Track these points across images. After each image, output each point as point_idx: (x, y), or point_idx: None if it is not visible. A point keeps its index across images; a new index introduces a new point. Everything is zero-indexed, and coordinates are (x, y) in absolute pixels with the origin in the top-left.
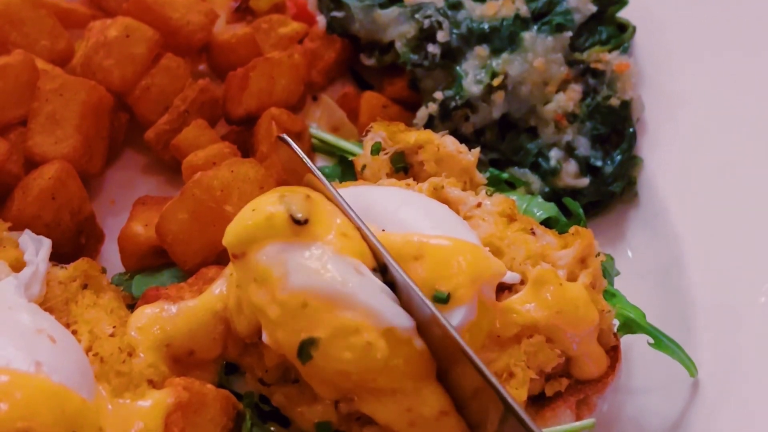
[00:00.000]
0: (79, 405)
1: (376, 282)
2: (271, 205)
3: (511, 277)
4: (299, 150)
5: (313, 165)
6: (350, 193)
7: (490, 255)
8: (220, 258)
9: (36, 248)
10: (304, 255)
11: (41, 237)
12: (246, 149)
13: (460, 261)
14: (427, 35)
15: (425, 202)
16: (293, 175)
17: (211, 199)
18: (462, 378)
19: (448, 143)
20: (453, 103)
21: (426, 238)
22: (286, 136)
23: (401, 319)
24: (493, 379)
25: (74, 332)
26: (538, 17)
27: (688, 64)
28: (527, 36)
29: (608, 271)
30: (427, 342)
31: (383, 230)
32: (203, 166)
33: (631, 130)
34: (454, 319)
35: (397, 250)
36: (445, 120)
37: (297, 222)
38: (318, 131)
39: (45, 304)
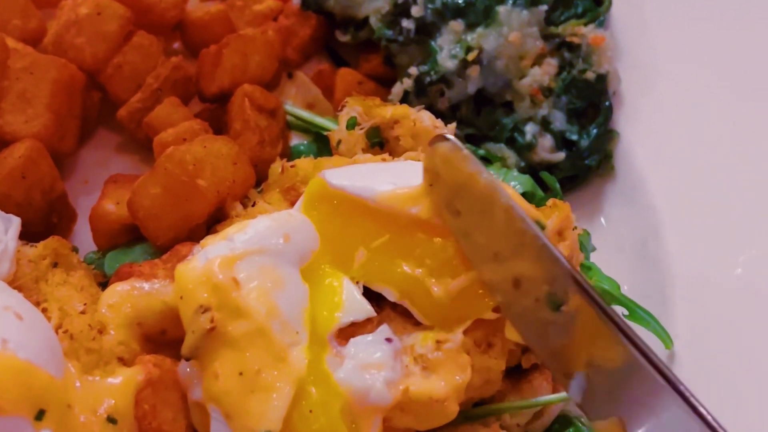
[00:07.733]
0: (47, 382)
1: None
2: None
3: None
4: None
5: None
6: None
7: None
8: (193, 233)
9: (5, 227)
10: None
11: (10, 215)
12: (219, 127)
13: None
14: (401, 10)
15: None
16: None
17: (183, 173)
18: None
19: (425, 118)
20: (428, 79)
21: None
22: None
23: None
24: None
25: (44, 310)
26: None
27: (664, 37)
28: (502, 10)
29: (584, 245)
30: None
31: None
32: (173, 143)
33: (607, 103)
34: None
35: None
36: (420, 95)
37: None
38: (293, 108)
39: (14, 282)
